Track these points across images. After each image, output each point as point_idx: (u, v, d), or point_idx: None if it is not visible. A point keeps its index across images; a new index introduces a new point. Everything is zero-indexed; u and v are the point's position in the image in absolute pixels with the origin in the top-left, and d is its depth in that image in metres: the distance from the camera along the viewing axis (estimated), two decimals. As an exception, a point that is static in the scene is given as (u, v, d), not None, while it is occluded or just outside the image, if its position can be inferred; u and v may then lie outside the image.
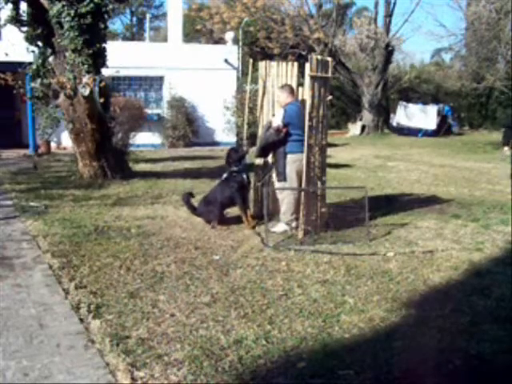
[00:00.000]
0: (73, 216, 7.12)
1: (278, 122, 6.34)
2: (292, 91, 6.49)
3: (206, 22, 24.81)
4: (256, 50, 25.48)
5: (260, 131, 6.95)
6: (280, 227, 6.42)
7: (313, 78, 6.09)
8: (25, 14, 10.42)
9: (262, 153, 6.68)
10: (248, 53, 24.57)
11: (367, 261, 5.32)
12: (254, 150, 7.25)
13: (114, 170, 10.16)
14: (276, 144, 6.39)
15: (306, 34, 24.40)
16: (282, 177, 6.41)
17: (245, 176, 6.77)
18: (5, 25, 10.74)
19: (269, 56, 20.78)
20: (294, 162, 6.30)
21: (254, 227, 6.51)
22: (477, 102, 31.02)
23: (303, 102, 6.39)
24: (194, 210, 6.85)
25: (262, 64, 7.07)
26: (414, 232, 6.55)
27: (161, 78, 18.80)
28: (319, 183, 6.42)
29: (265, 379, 3.10)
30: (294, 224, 6.39)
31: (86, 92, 9.14)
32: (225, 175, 6.85)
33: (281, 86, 6.62)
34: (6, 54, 11.73)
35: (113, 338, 3.52)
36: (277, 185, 6.57)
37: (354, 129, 27.04)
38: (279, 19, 24.31)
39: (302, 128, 6.16)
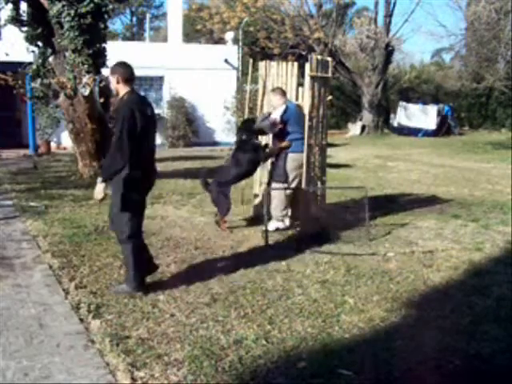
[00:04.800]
0: (73, 216, 7.11)
1: (276, 115, 6.31)
2: (284, 93, 6.48)
3: (205, 22, 24.79)
4: (256, 50, 25.47)
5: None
6: (272, 225, 6.40)
7: (313, 78, 6.10)
8: (25, 14, 10.43)
9: (250, 132, 6.44)
10: (248, 53, 24.56)
11: (367, 261, 5.32)
12: None
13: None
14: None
15: (305, 33, 24.39)
16: (283, 178, 6.36)
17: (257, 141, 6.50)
18: (5, 25, 10.75)
19: (269, 56, 20.76)
20: (294, 160, 6.29)
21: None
22: (477, 101, 30.99)
23: (299, 106, 6.36)
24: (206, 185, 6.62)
25: (262, 64, 7.07)
26: (414, 232, 6.55)
27: (161, 78, 18.78)
28: (319, 183, 6.43)
29: (265, 379, 3.09)
30: (287, 221, 6.39)
31: (86, 92, 9.15)
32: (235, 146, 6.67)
33: (272, 90, 6.60)
34: (7, 54, 11.73)
35: (113, 338, 3.52)
36: (273, 185, 6.53)
37: (354, 129, 27.02)
38: (279, 19, 24.31)
39: (302, 127, 6.17)
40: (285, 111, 6.30)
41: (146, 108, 4.20)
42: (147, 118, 4.13)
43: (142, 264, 4.35)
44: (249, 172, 6.51)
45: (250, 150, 6.32)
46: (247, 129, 6.44)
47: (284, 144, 6.37)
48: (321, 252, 5.58)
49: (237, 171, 6.38)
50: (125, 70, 4.21)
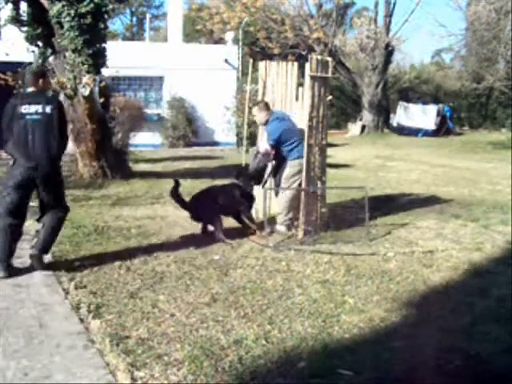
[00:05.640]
0: (73, 216, 7.07)
1: (264, 145, 6.34)
2: (267, 107, 6.48)
3: (206, 22, 24.82)
4: (256, 50, 25.50)
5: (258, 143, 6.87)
6: (275, 229, 6.38)
7: (313, 78, 6.10)
8: (25, 14, 10.43)
9: (257, 179, 6.51)
10: (248, 53, 24.58)
11: (367, 261, 5.32)
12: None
13: (113, 170, 10.15)
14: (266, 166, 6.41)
15: (305, 34, 24.42)
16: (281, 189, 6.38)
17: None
18: (5, 25, 10.75)
19: (269, 56, 20.78)
20: (292, 167, 6.28)
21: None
22: (477, 101, 31.03)
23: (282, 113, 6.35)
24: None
25: (261, 64, 7.07)
26: (413, 232, 6.55)
27: (161, 78, 18.80)
28: (319, 183, 6.43)
29: (265, 379, 3.09)
30: (291, 222, 6.38)
31: (86, 92, 9.15)
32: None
33: (255, 104, 6.62)
34: (7, 54, 11.73)
35: (113, 338, 3.51)
36: (279, 196, 6.52)
37: (354, 129, 27.04)
38: (279, 19, 24.33)
39: (294, 132, 6.23)
40: (268, 136, 6.27)
41: (24, 106, 4.72)
42: (21, 115, 4.69)
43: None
44: (230, 211, 6.42)
45: (238, 196, 6.29)
46: (246, 178, 6.40)
47: None
48: (321, 252, 5.58)
49: (221, 204, 6.26)
50: (28, 75, 5.04)
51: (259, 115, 6.49)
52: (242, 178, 6.44)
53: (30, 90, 4.92)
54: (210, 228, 6.19)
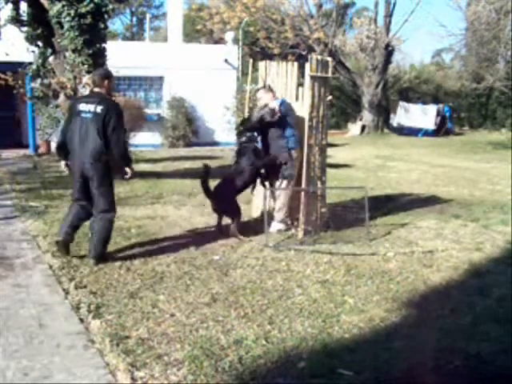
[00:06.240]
0: (73, 216, 7.09)
1: (275, 105, 6.22)
2: (273, 90, 6.47)
3: (205, 22, 24.82)
4: (256, 50, 25.51)
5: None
6: (274, 227, 6.39)
7: (313, 77, 6.10)
8: (25, 14, 10.44)
9: (250, 129, 6.41)
10: (248, 53, 24.59)
11: (367, 261, 5.32)
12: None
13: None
14: (266, 126, 6.24)
15: (306, 34, 24.42)
16: (289, 173, 6.30)
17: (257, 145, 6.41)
18: (5, 25, 10.76)
19: (269, 56, 20.78)
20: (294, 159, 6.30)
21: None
22: (477, 101, 31.02)
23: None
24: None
25: (261, 64, 7.06)
26: (414, 232, 6.55)
27: (161, 78, 18.78)
28: (319, 183, 6.43)
29: (265, 379, 3.10)
30: (288, 221, 6.37)
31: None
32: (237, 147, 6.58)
33: (262, 87, 6.56)
34: (7, 54, 11.74)
35: (113, 338, 3.52)
36: (277, 183, 6.49)
37: (354, 129, 27.03)
38: (279, 19, 24.33)
39: (295, 123, 6.22)
40: (281, 104, 6.23)
41: (82, 104, 5.17)
42: (78, 112, 5.11)
43: None
44: (253, 178, 6.39)
45: (250, 155, 6.25)
46: (248, 128, 6.37)
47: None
48: (321, 252, 5.58)
49: (241, 180, 6.25)
50: (95, 77, 5.41)
51: (265, 96, 6.39)
52: (245, 126, 6.38)
53: (96, 90, 5.27)
54: (228, 220, 6.20)
